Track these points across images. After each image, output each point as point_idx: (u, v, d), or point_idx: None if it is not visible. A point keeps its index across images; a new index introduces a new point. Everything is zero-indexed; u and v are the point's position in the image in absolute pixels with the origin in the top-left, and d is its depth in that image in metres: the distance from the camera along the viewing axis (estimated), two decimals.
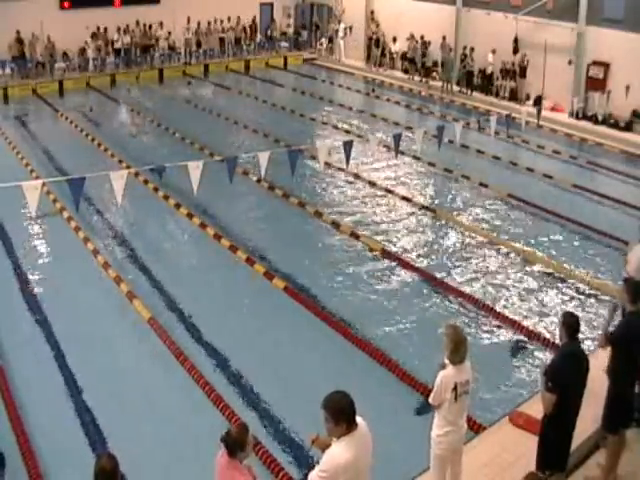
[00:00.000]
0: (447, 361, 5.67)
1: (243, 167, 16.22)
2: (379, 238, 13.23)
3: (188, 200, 14.48)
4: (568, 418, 5.75)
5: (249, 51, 30.77)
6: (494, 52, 23.82)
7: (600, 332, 8.44)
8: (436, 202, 15.12)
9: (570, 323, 5.72)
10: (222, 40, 29.71)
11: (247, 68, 29.68)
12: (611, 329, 7.23)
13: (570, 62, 21.40)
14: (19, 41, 25.77)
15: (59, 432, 7.90)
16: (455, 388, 5.60)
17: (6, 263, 12.23)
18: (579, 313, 10.30)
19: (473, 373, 5.85)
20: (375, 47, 28.65)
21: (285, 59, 30.84)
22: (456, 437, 5.83)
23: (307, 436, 4.90)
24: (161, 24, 28.14)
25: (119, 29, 27.51)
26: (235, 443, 4.67)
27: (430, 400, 5.81)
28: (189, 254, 13.00)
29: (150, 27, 28.12)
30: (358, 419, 4.45)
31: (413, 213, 14.58)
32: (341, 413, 4.31)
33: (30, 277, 11.66)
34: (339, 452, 4.33)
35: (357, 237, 13.19)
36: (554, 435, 5.80)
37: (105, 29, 27.22)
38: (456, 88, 25.14)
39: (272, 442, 7.60)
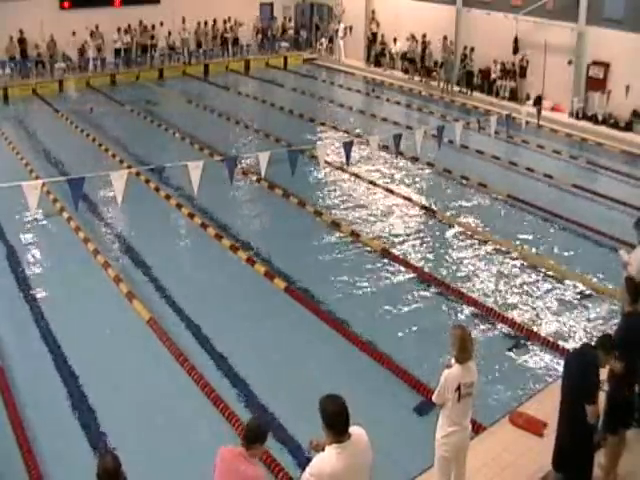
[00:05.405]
0: (453, 360, 5.70)
1: (243, 167, 16.25)
2: (379, 238, 13.23)
3: (189, 200, 14.52)
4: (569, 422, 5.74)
5: (249, 51, 30.78)
6: (495, 63, 23.93)
7: None
8: (436, 202, 15.09)
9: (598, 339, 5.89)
10: (225, 40, 29.72)
11: (247, 68, 29.70)
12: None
13: (570, 62, 21.39)
14: (20, 41, 25.78)
15: (59, 432, 7.91)
16: (459, 389, 5.62)
17: (5, 263, 12.23)
18: (577, 313, 10.43)
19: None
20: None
21: (285, 59, 30.84)
22: (461, 437, 5.83)
23: (307, 440, 4.89)
24: (162, 24, 28.13)
25: (119, 29, 27.51)
26: (256, 435, 4.54)
27: (433, 398, 5.83)
28: (190, 254, 12.99)
29: (153, 27, 28.09)
30: (357, 430, 4.42)
31: (413, 213, 14.59)
32: (328, 418, 4.29)
33: (30, 277, 11.67)
34: (328, 459, 4.30)
35: (357, 237, 13.19)
36: (567, 433, 5.81)
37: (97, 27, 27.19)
38: (456, 88, 25.15)
39: (272, 442, 7.60)
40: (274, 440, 7.63)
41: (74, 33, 26.45)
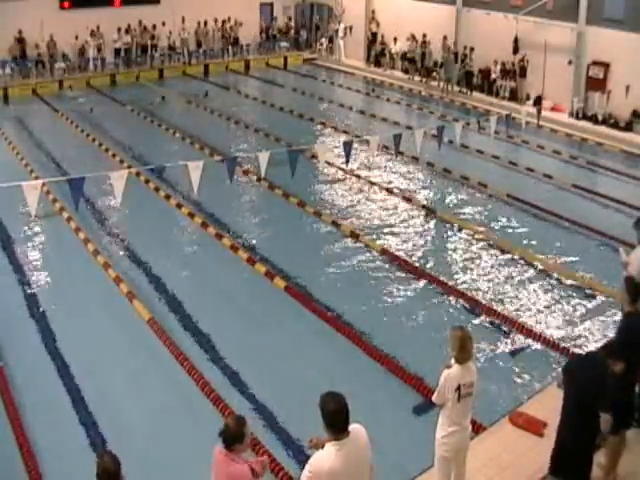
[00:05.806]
0: (453, 360, 5.70)
1: (243, 167, 16.25)
2: (379, 238, 13.23)
3: (189, 200, 14.52)
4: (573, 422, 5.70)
5: (249, 51, 30.79)
6: (495, 63, 23.97)
7: None
8: (436, 202, 15.10)
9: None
10: (226, 39, 29.73)
11: (247, 68, 29.72)
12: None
13: (570, 62, 21.40)
14: (20, 41, 25.79)
15: (59, 432, 7.92)
16: (458, 389, 5.62)
17: (6, 263, 12.23)
18: (577, 313, 10.43)
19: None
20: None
21: (285, 59, 30.86)
22: (461, 437, 5.83)
23: (307, 438, 4.91)
24: (164, 24, 28.13)
25: (119, 29, 27.52)
26: (233, 436, 4.66)
27: (433, 399, 5.83)
28: (190, 254, 12.98)
29: (154, 27, 28.05)
30: (356, 427, 4.43)
31: (413, 213, 14.57)
32: (328, 416, 4.31)
33: (30, 277, 11.66)
34: (326, 457, 4.32)
35: (357, 237, 13.18)
36: (569, 438, 5.72)
37: (98, 27, 27.17)
38: (456, 88, 25.15)
39: (272, 442, 7.61)
40: (274, 440, 7.67)
41: (77, 37, 26.46)
